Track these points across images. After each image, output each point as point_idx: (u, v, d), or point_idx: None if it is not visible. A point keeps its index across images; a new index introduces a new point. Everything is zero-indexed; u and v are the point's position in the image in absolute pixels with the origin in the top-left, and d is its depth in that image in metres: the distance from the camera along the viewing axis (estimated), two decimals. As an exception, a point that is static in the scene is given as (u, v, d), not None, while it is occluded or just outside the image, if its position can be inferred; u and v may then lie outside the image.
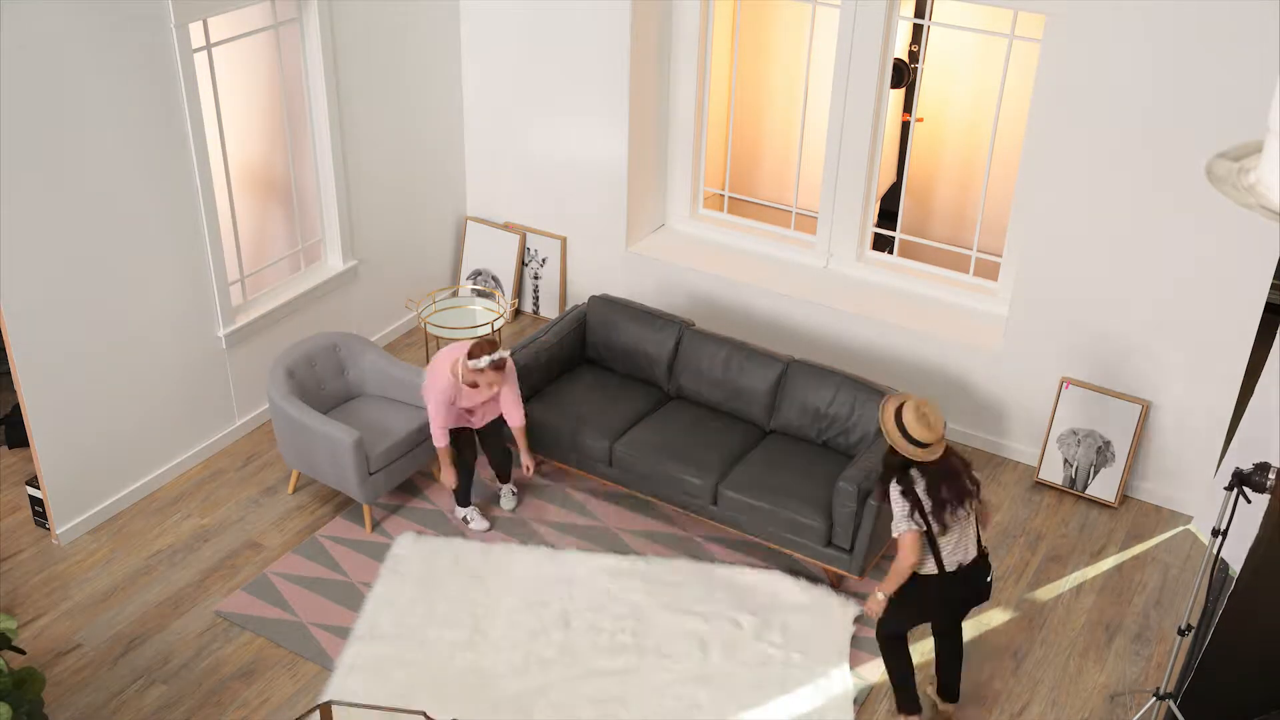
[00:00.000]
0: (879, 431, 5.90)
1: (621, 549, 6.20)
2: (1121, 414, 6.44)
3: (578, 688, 5.39)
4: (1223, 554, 4.74)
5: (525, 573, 6.01)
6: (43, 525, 6.26)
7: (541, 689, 5.36)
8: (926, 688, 5.41)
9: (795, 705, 5.36)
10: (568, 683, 5.40)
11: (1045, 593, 6.08)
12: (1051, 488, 6.72)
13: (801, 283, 7.36)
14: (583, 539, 6.28)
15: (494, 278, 8.23)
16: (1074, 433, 6.51)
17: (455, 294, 8.02)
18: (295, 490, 6.61)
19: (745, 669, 5.53)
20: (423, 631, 5.66)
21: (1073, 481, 6.63)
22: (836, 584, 6.00)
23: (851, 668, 5.57)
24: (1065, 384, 6.47)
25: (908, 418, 4.70)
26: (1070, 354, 6.57)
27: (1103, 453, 6.46)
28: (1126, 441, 6.45)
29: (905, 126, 7.73)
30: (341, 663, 5.50)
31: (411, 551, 6.14)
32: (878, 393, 6.13)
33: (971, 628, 5.82)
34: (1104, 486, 6.58)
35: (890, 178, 8.30)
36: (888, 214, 8.04)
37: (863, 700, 5.40)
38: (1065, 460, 6.60)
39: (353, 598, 5.88)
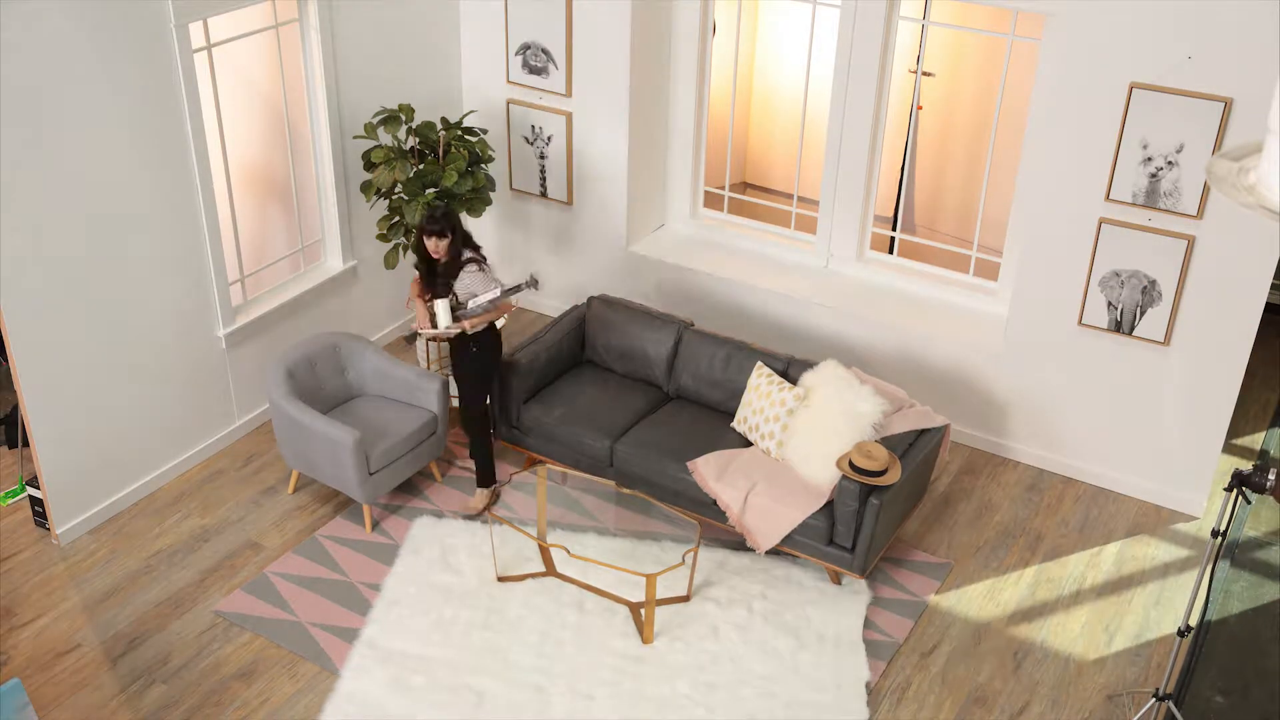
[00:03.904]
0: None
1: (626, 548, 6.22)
2: (1166, 252, 6.08)
3: (593, 668, 5.48)
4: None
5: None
6: (43, 525, 6.26)
7: (558, 669, 5.47)
8: None
9: (808, 690, 5.39)
10: (583, 663, 5.51)
11: (1045, 592, 6.08)
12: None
13: (801, 283, 7.36)
14: (585, 537, 6.29)
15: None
16: (1116, 274, 6.24)
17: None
18: (295, 490, 6.61)
19: (758, 654, 5.59)
20: (438, 610, 5.76)
21: (1118, 324, 6.39)
22: (837, 582, 6.01)
23: (865, 655, 5.62)
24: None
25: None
26: (1070, 352, 6.57)
27: (1148, 292, 6.18)
28: (1173, 280, 6.12)
29: (908, 130, 7.73)
30: (360, 641, 5.60)
31: (430, 534, 6.25)
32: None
33: (971, 627, 5.83)
34: (1152, 327, 6.28)
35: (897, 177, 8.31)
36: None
37: (875, 685, 5.41)
38: (1109, 303, 6.32)
39: (353, 598, 5.88)
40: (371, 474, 6.14)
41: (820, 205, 7.37)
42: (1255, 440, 7.19)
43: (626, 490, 6.06)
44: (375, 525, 6.35)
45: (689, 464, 6.08)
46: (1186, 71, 5.69)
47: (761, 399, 6.16)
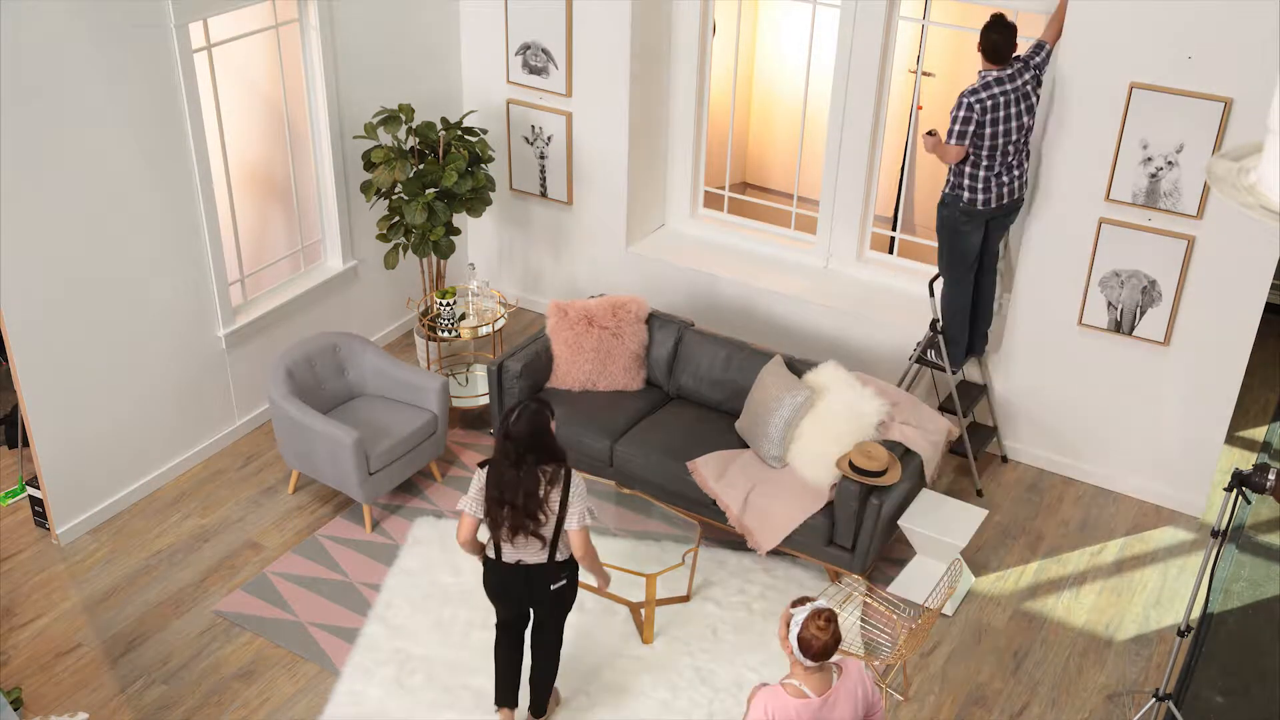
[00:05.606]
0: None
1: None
2: (1166, 252, 6.09)
3: (593, 668, 5.49)
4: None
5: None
6: (43, 525, 6.26)
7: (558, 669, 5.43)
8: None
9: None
10: (583, 663, 5.50)
11: (1045, 592, 6.08)
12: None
13: (801, 283, 7.36)
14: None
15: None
16: (1116, 274, 6.24)
17: (455, 294, 8.00)
18: (295, 490, 6.61)
19: (756, 653, 5.59)
20: (438, 610, 5.77)
21: (1118, 324, 6.39)
22: (837, 582, 6.01)
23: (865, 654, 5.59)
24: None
25: None
26: (1070, 352, 6.57)
27: (1148, 292, 6.19)
28: (1173, 280, 6.12)
29: (908, 130, 7.73)
30: (360, 641, 5.62)
31: (430, 534, 6.26)
32: (878, 393, 6.13)
33: (971, 627, 5.83)
34: (1152, 327, 6.28)
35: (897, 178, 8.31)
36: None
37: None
38: (1109, 303, 6.32)
39: (352, 598, 5.88)
40: (371, 474, 6.14)
41: (820, 205, 7.37)
42: (1257, 435, 7.19)
43: (626, 490, 6.07)
44: (375, 525, 6.35)
45: (689, 464, 6.08)
46: (1186, 71, 5.70)
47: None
